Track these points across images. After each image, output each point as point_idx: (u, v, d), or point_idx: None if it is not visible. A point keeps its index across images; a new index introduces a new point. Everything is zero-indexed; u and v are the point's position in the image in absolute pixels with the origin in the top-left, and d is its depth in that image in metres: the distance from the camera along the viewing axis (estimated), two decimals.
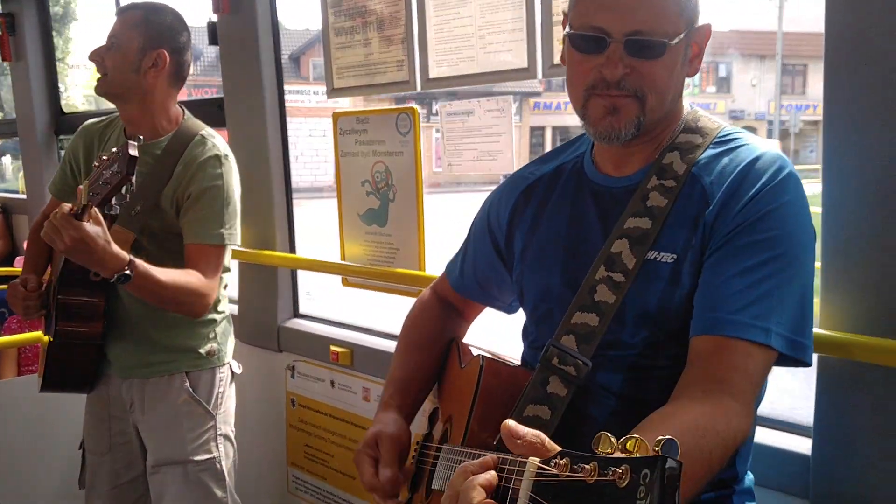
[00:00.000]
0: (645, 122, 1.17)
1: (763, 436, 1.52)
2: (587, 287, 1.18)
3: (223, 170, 2.02)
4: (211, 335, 2.14)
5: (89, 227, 1.72)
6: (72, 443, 2.28)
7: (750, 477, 1.30)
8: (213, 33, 2.71)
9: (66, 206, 1.75)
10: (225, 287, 2.18)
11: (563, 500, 0.66)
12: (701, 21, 1.20)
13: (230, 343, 2.21)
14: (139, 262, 1.83)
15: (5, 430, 2.65)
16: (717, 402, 1.02)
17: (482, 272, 1.46)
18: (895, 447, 1.35)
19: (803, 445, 1.50)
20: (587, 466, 0.65)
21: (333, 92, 2.42)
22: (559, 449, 0.74)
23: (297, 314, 2.77)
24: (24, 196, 4.17)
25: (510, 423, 0.79)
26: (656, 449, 0.62)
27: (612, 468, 0.62)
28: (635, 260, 1.15)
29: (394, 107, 2.25)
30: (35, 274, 2.15)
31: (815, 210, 1.20)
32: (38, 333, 2.98)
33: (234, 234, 2.04)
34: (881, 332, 1.33)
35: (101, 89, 2.05)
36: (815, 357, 1.14)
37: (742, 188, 1.12)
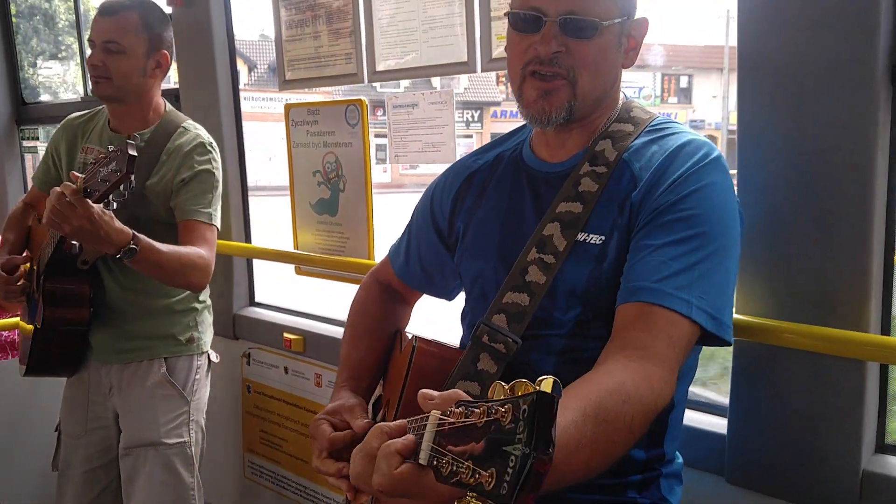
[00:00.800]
0: (576, 106, 1.22)
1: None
2: (519, 268, 1.23)
3: (210, 156, 2.08)
4: (191, 323, 2.18)
5: (96, 206, 1.76)
6: (49, 426, 2.31)
7: (679, 460, 1.33)
8: None
9: (69, 188, 1.75)
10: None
11: (459, 443, 0.71)
12: (639, 16, 1.26)
13: (209, 333, 2.26)
14: (142, 237, 1.87)
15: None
16: (639, 367, 1.03)
17: (426, 259, 1.50)
18: (799, 423, 1.43)
19: (719, 424, 1.58)
20: (477, 410, 0.70)
21: (285, 84, 2.46)
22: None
23: (252, 303, 2.81)
24: None
25: (424, 389, 0.83)
26: (536, 387, 0.67)
27: (497, 408, 0.68)
28: (566, 242, 1.20)
29: (342, 98, 2.30)
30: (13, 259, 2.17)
31: None
32: (13, 320, 3.00)
33: (218, 218, 2.09)
34: (791, 316, 1.40)
35: (106, 91, 2.05)
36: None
37: (668, 170, 1.17)
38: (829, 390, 1.40)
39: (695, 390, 1.48)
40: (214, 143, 2.13)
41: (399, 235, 1.56)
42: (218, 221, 2.09)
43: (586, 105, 1.23)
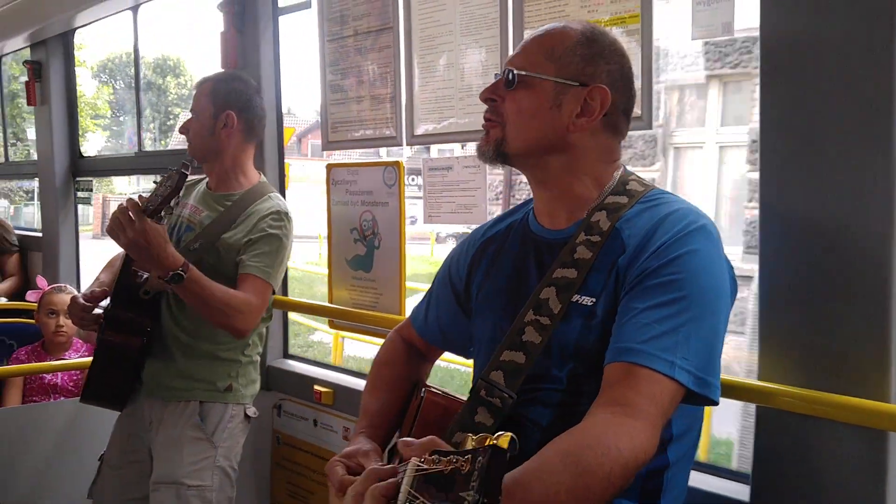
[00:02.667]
0: (507, 146, 1.35)
1: (699, 480, 1.60)
2: (516, 328, 1.30)
3: (283, 223, 2.24)
4: (232, 373, 2.27)
5: (150, 222, 1.94)
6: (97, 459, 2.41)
7: None
8: None
9: (132, 202, 1.97)
10: (262, 337, 2.39)
11: (430, 488, 0.80)
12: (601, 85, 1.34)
13: (252, 387, 2.35)
14: (193, 267, 2.03)
15: (40, 447, 2.83)
16: (621, 422, 1.09)
17: (444, 320, 1.59)
18: (823, 493, 1.42)
19: (741, 492, 1.58)
20: (444, 459, 0.80)
21: (329, 145, 2.57)
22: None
23: (286, 355, 2.87)
24: (40, 234, 4.34)
25: (405, 438, 0.94)
26: (492, 441, 0.76)
27: (459, 459, 0.77)
28: (560, 305, 1.27)
29: (381, 160, 2.39)
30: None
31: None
32: (44, 364, 3.12)
33: (277, 280, 2.23)
34: (813, 384, 1.42)
35: (189, 153, 2.32)
36: (753, 406, 1.22)
37: (654, 237, 1.24)
38: (851, 460, 1.39)
39: None
40: (291, 216, 2.29)
41: (422, 298, 1.66)
42: (275, 283, 2.22)
43: (519, 149, 1.35)
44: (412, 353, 1.63)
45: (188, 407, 2.23)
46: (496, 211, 2.07)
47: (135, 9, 3.51)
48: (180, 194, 1.98)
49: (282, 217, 2.25)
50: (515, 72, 1.32)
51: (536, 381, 1.28)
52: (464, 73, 2.11)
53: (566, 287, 1.28)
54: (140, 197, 1.99)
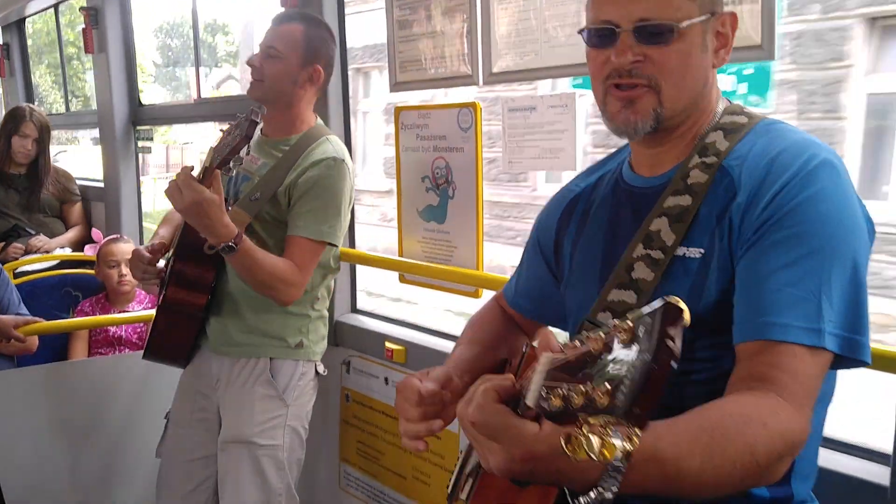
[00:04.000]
0: (664, 113, 1.13)
1: (832, 460, 1.41)
2: (624, 265, 1.15)
3: (334, 171, 2.09)
4: (303, 329, 2.18)
5: (208, 191, 1.84)
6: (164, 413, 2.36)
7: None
8: None
9: (188, 168, 1.89)
10: (329, 290, 2.28)
11: (574, 370, 0.68)
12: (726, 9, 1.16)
13: (321, 344, 2.26)
14: (246, 238, 1.94)
15: (110, 402, 2.78)
16: (766, 400, 0.96)
17: (536, 290, 1.44)
18: None
19: (881, 474, 1.39)
20: (593, 336, 0.67)
21: (397, 85, 2.39)
22: None
23: (354, 309, 2.75)
24: (101, 184, 4.30)
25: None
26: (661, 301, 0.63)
27: (619, 325, 0.64)
28: (675, 237, 1.11)
29: (456, 102, 2.21)
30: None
31: None
32: (110, 317, 3.08)
33: (335, 234, 2.09)
34: None
35: (256, 93, 2.14)
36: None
37: (768, 179, 1.06)
38: None
39: None
40: (347, 160, 2.14)
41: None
42: (333, 237, 2.09)
43: (675, 112, 1.14)
44: (509, 320, 1.49)
45: (258, 364, 2.15)
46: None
47: None
48: (251, 143, 1.85)
49: (335, 164, 2.09)
50: (676, 25, 1.09)
51: None
52: (547, 1, 1.89)
53: (681, 216, 1.11)
54: (211, 149, 1.89)
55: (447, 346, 2.28)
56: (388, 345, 2.44)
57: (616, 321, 0.63)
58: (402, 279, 2.44)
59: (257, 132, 2.21)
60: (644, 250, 1.13)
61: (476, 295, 2.17)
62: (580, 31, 1.18)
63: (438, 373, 1.23)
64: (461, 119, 2.18)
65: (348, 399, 2.70)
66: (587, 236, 1.28)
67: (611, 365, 0.61)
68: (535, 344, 1.28)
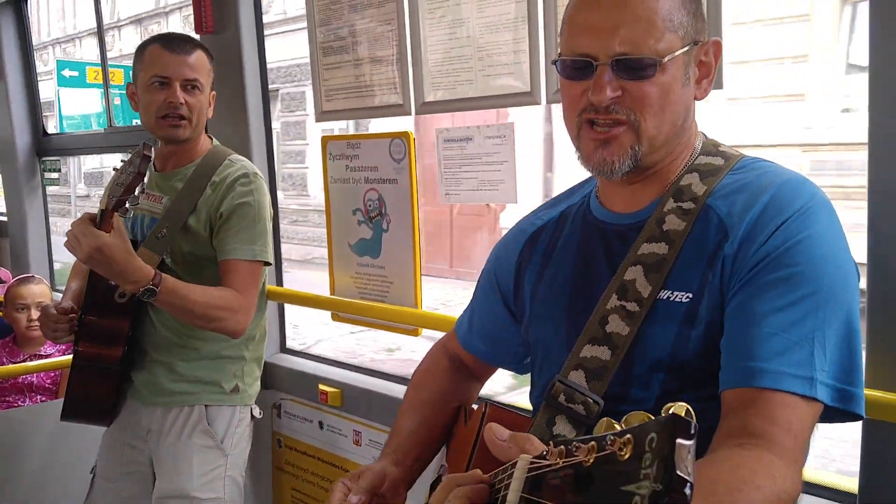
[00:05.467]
0: (642, 151, 1.06)
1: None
2: (598, 317, 1.06)
3: (253, 187, 1.97)
4: (238, 372, 2.06)
5: (108, 236, 1.70)
6: (86, 468, 2.19)
7: None
8: None
9: (86, 215, 1.74)
10: (264, 329, 2.15)
11: (560, 490, 0.56)
12: (708, 36, 1.10)
13: (255, 385, 2.14)
14: (166, 276, 1.80)
15: (24, 455, 2.57)
16: (755, 455, 0.88)
17: (492, 327, 1.34)
18: None
19: None
20: (584, 446, 0.55)
21: (322, 115, 2.28)
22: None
23: (284, 349, 2.61)
24: (4, 218, 4.02)
25: (492, 424, 0.76)
26: (666, 414, 0.51)
27: (614, 439, 0.52)
28: (650, 288, 1.03)
29: (387, 132, 2.11)
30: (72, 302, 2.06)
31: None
32: (19, 366, 2.85)
33: (266, 252, 1.97)
34: None
35: (185, 135, 1.97)
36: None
37: (764, 217, 1.00)
38: None
39: None
40: (259, 174, 2.03)
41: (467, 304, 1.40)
42: (265, 255, 1.96)
43: (654, 150, 1.07)
44: (458, 369, 1.38)
45: (193, 412, 2.02)
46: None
47: None
48: (145, 181, 1.71)
49: (250, 179, 1.98)
50: (657, 59, 1.02)
51: (614, 402, 1.04)
52: (481, 27, 1.82)
53: (656, 266, 1.04)
54: (106, 191, 1.75)
55: (385, 387, 2.18)
56: (322, 387, 2.31)
57: (613, 434, 0.53)
58: (336, 317, 2.32)
59: (150, 171, 2.07)
60: (618, 301, 1.05)
61: (415, 333, 2.08)
62: (554, 62, 1.10)
63: (367, 481, 1.14)
64: (393, 150, 2.09)
65: (280, 444, 2.55)
66: (553, 273, 1.20)
67: (607, 488, 0.51)
68: (490, 401, 1.19)
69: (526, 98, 1.75)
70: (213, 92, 2.03)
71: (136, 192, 1.72)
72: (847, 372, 0.95)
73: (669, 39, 1.03)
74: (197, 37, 2.53)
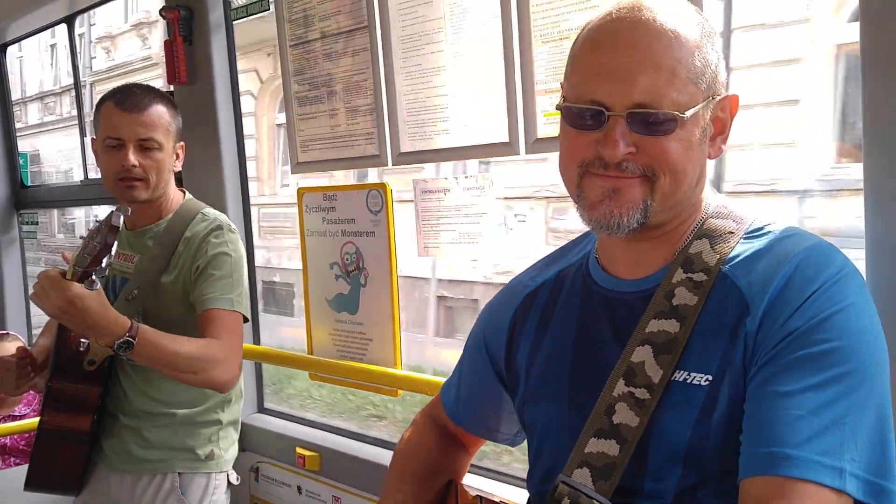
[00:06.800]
0: (653, 209, 0.96)
1: None
2: (603, 406, 0.96)
3: (227, 238, 1.90)
4: (213, 437, 1.98)
5: (80, 287, 1.60)
6: None
7: None
8: None
9: (54, 269, 1.65)
10: (241, 391, 2.06)
11: None
12: (727, 91, 1.00)
13: (232, 450, 2.03)
14: (143, 327, 1.69)
15: None
16: None
17: (480, 397, 1.23)
18: None
19: None
20: None
21: (298, 166, 2.20)
22: None
23: (261, 409, 2.51)
24: None
25: None
26: None
27: None
28: (661, 372, 0.93)
29: (364, 183, 2.04)
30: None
31: None
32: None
33: (243, 304, 1.87)
34: None
35: (144, 195, 1.87)
36: None
37: (791, 287, 0.90)
38: None
39: None
40: (234, 226, 1.95)
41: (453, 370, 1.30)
42: (244, 309, 1.86)
43: (667, 208, 0.97)
44: (446, 439, 1.28)
45: (165, 481, 1.92)
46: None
47: (69, 19, 3.11)
48: (113, 252, 1.62)
49: (224, 231, 1.90)
50: (679, 116, 0.92)
51: (624, 496, 0.94)
52: (457, 76, 1.76)
53: (666, 346, 0.93)
54: (64, 255, 1.67)
55: (365, 451, 2.08)
56: (300, 450, 2.20)
57: None
58: (313, 377, 2.22)
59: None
60: (626, 387, 0.95)
61: (395, 394, 1.98)
62: (558, 107, 0.99)
63: None
64: (370, 201, 2.01)
65: None
66: (550, 345, 1.09)
67: None
68: (483, 494, 1.10)
69: (504, 149, 1.68)
70: (181, 143, 1.94)
71: (104, 265, 1.63)
72: (879, 464, 0.85)
73: (691, 92, 0.93)
74: (170, 87, 2.48)
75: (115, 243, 1.61)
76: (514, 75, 1.63)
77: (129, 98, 1.87)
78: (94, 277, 1.61)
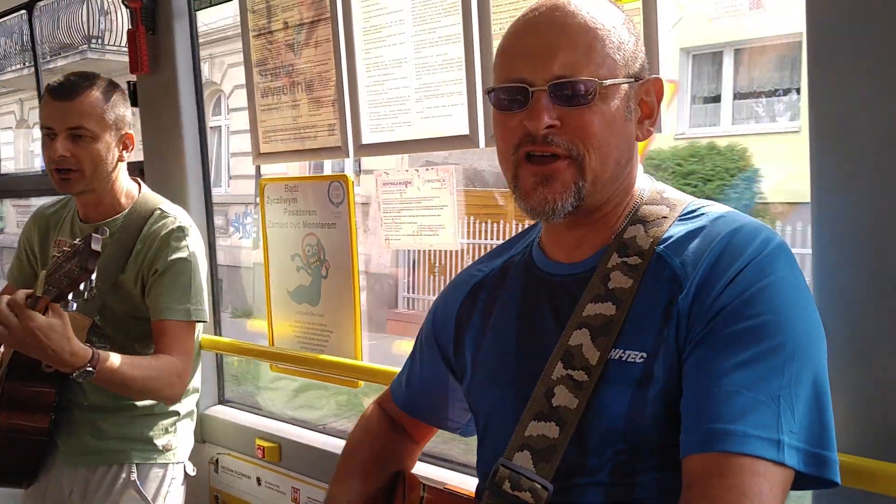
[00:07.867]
0: (586, 188, 0.99)
1: None
2: (542, 389, 0.98)
3: (187, 241, 1.87)
4: (171, 428, 1.97)
5: (42, 318, 1.56)
6: None
7: None
8: (134, 95, 2.48)
9: (21, 293, 1.59)
10: (194, 386, 2.03)
11: None
12: (650, 74, 1.05)
13: (189, 442, 2.03)
14: (103, 355, 1.68)
15: None
16: None
17: (430, 387, 1.25)
18: None
19: None
20: None
21: (260, 157, 2.20)
22: None
23: (222, 400, 2.49)
24: None
25: None
26: None
27: None
28: (599, 354, 0.95)
29: (325, 174, 2.04)
30: None
31: None
32: None
33: (202, 311, 1.86)
34: (885, 454, 1.12)
35: (77, 188, 1.83)
36: None
37: (720, 265, 0.93)
38: None
39: None
40: (193, 227, 1.92)
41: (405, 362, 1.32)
42: (201, 314, 1.86)
43: (598, 188, 1.00)
44: (395, 431, 1.30)
45: (122, 471, 1.90)
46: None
47: (29, 6, 3.06)
48: (93, 277, 1.56)
49: (183, 234, 1.87)
50: (597, 82, 0.96)
51: (567, 476, 0.96)
52: (418, 68, 1.76)
53: (604, 328, 0.96)
54: (42, 275, 1.60)
55: (325, 441, 2.08)
56: (260, 442, 2.19)
57: None
58: (274, 368, 2.22)
59: (72, 215, 1.96)
60: (564, 370, 0.97)
61: (355, 385, 1.98)
62: (488, 92, 1.03)
63: None
64: (332, 193, 2.01)
65: (218, 501, 2.41)
66: (495, 331, 1.11)
67: None
68: (428, 483, 1.11)
69: (464, 141, 1.69)
70: (127, 132, 1.88)
71: (82, 289, 1.58)
72: (818, 434, 0.88)
73: (610, 66, 0.98)
74: (132, 77, 2.45)
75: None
76: (475, 68, 1.64)
77: (63, 87, 1.80)
78: (70, 298, 1.57)
